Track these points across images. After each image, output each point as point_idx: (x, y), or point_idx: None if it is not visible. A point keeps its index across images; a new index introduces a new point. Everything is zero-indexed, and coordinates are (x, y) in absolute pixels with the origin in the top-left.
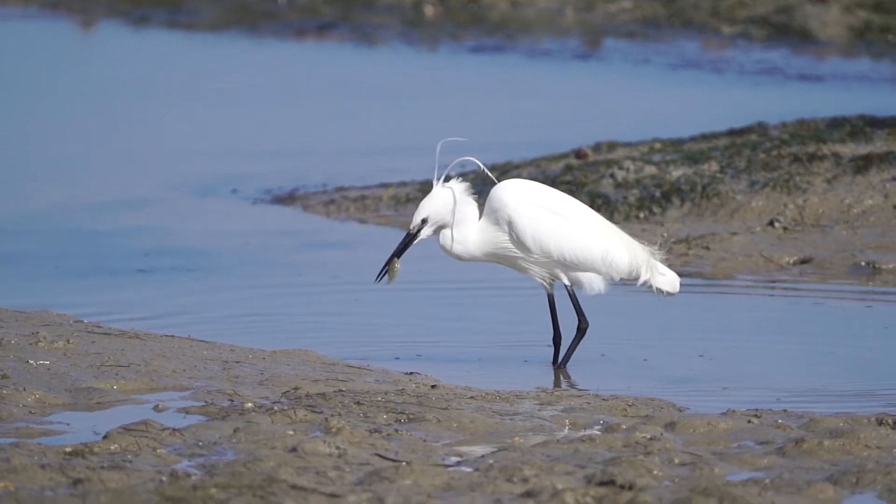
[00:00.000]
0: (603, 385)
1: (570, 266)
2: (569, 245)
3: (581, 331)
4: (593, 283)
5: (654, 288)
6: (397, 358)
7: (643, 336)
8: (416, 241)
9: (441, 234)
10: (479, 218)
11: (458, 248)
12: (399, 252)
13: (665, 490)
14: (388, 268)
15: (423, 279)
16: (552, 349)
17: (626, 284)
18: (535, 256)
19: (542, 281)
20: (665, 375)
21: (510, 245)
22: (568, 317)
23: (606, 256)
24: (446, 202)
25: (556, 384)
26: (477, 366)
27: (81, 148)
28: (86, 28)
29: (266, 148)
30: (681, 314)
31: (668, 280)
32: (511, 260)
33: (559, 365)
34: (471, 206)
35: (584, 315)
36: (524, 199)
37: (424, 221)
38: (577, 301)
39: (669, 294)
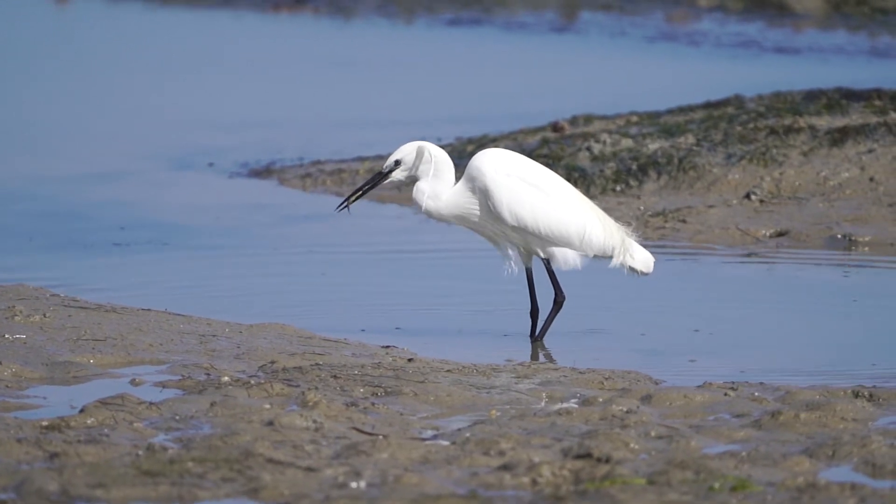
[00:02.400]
0: (580, 358)
1: (544, 239)
2: (544, 218)
3: (557, 304)
4: (568, 257)
5: (628, 267)
6: (363, 330)
7: (620, 309)
8: (385, 181)
9: (415, 187)
10: (457, 182)
11: (428, 202)
12: (366, 188)
13: (642, 463)
14: (352, 200)
15: (401, 248)
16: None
17: (601, 261)
18: (510, 227)
19: (518, 253)
20: (642, 349)
21: (483, 213)
22: (547, 290)
23: (581, 232)
24: (423, 153)
25: (534, 357)
26: (454, 338)
27: (57, 121)
28: (60, 1)
29: (243, 121)
30: (657, 287)
31: (641, 259)
32: (482, 227)
33: (536, 338)
34: (448, 166)
35: (560, 288)
36: (502, 169)
37: (398, 163)
38: (554, 274)
39: (643, 273)
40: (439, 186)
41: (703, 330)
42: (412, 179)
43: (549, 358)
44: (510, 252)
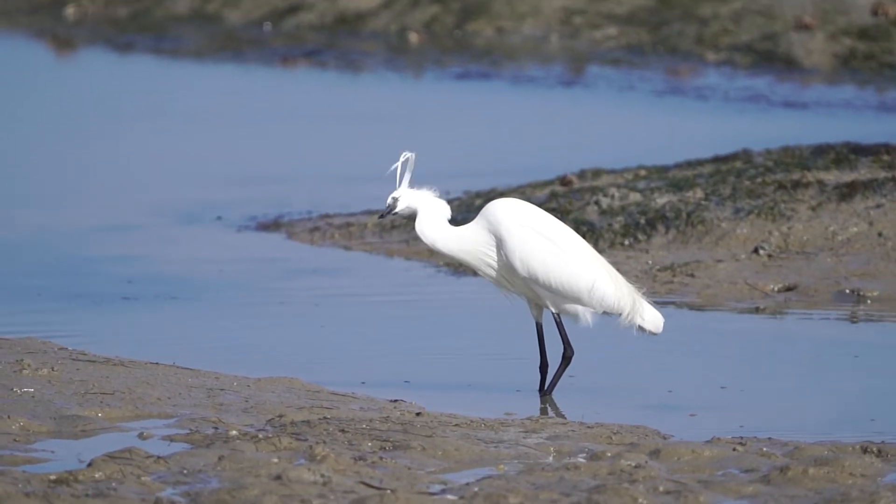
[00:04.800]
0: (588, 413)
1: (554, 293)
2: (556, 272)
3: (566, 359)
4: (578, 312)
5: (637, 327)
6: (363, 383)
7: (628, 364)
8: (392, 215)
9: (416, 221)
10: (469, 223)
11: (431, 234)
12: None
13: None
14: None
15: (410, 300)
16: (539, 376)
17: (610, 319)
18: (521, 278)
19: (527, 305)
20: (650, 403)
21: (495, 259)
22: (556, 344)
23: (593, 288)
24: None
25: (542, 412)
26: (463, 392)
27: (65, 174)
28: (64, 53)
29: (251, 174)
30: (664, 342)
31: (651, 319)
32: (490, 273)
33: (545, 392)
34: (431, 205)
35: (569, 343)
36: (517, 219)
37: (395, 199)
38: (563, 329)
39: (652, 334)
40: (435, 222)
41: (712, 385)
42: (412, 215)
43: (557, 412)
44: (515, 297)
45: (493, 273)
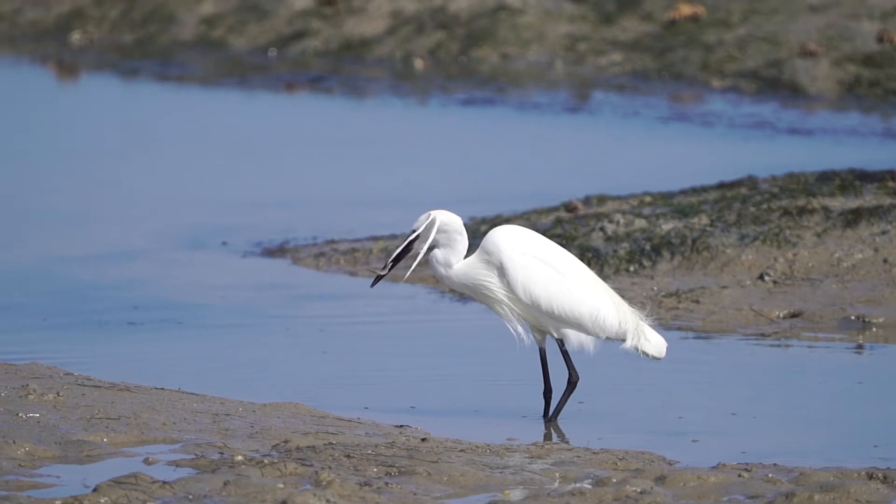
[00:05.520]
0: (593, 438)
1: (557, 320)
2: (558, 299)
3: (571, 384)
4: (581, 339)
5: (640, 351)
6: (366, 408)
7: (632, 390)
8: (410, 252)
9: (431, 254)
10: (471, 254)
11: (440, 269)
12: (396, 259)
13: None
14: (388, 271)
15: (414, 327)
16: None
17: (614, 344)
18: (523, 305)
19: (531, 332)
20: (655, 429)
21: (497, 288)
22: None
23: (595, 315)
24: (435, 222)
25: (547, 437)
26: (468, 418)
27: (70, 199)
28: (68, 79)
29: (257, 200)
30: (669, 368)
31: (654, 345)
32: (493, 302)
33: (550, 418)
34: (457, 232)
35: (574, 368)
36: (519, 247)
37: (415, 233)
38: (568, 354)
39: (655, 358)
40: (450, 255)
41: (717, 411)
42: (431, 247)
43: (562, 438)
44: (520, 328)
45: (495, 302)
